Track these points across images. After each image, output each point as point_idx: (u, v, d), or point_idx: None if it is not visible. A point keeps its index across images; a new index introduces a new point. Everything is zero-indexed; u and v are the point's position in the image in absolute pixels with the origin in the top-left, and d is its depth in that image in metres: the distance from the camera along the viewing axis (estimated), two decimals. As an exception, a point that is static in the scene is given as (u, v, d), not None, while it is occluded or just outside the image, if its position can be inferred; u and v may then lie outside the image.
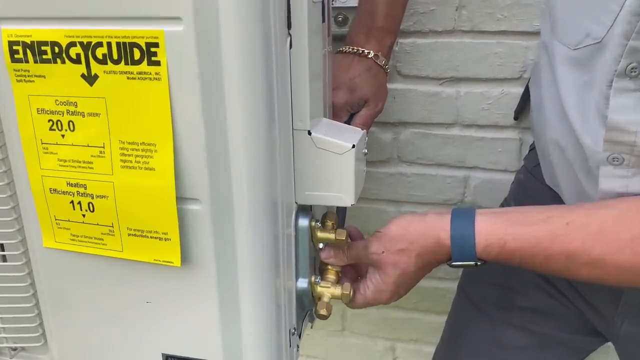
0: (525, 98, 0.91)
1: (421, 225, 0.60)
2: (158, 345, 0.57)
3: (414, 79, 0.95)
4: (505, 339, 0.80)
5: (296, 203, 0.59)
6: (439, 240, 0.58)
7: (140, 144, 0.48)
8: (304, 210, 0.62)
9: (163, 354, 0.58)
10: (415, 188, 1.03)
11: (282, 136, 0.52)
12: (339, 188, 0.58)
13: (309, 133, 0.55)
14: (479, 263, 0.58)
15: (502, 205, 0.85)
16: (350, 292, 0.64)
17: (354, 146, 0.56)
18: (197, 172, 0.49)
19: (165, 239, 0.50)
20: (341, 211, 0.71)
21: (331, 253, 0.65)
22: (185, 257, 0.51)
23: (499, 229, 0.56)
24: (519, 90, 0.92)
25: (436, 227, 0.59)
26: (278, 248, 0.55)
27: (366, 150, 0.63)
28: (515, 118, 0.94)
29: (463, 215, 0.59)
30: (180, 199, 0.49)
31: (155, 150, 0.48)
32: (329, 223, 0.65)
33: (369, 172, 1.03)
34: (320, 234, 0.63)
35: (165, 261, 0.51)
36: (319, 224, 0.63)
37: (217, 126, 0.47)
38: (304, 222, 0.61)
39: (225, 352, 0.55)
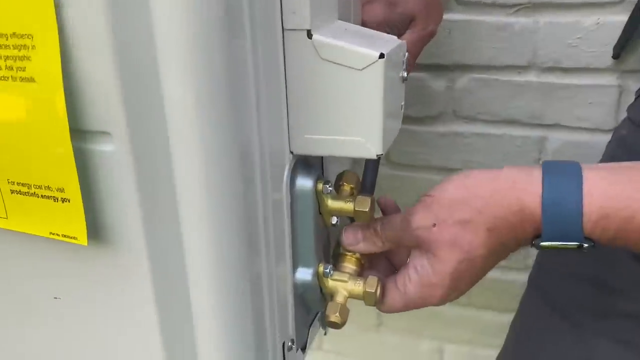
0: (630, 29, 0.69)
1: (494, 185, 0.40)
2: (78, 362, 0.38)
3: (476, 6, 0.74)
4: (597, 355, 0.58)
5: (291, 153, 0.39)
6: (523, 208, 0.39)
7: (11, 36, 0.28)
8: (307, 165, 0.41)
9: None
10: (474, 152, 0.82)
11: (258, 35, 0.31)
12: (358, 128, 0.37)
13: (309, 35, 0.34)
14: (585, 245, 0.38)
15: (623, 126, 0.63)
16: (377, 290, 0.44)
17: (382, 56, 0.34)
18: (103, 87, 0.29)
19: (62, 199, 0.31)
20: (369, 172, 0.49)
21: (358, 235, 0.45)
22: (95, 231, 0.32)
23: (622, 192, 0.37)
24: (620, 18, 0.69)
25: (519, 187, 0.39)
26: (255, 221, 0.34)
27: (405, 73, 0.41)
28: (615, 57, 0.72)
29: (562, 169, 0.38)
30: (80, 133, 0.30)
31: (33, 47, 0.28)
32: (346, 187, 0.44)
33: (414, 131, 0.82)
34: (331, 203, 0.42)
35: (65, 236, 0.32)
36: (329, 188, 0.42)
37: (134, 5, 0.27)
38: (305, 183, 0.40)
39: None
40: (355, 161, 0.56)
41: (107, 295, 0.34)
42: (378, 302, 0.44)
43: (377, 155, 0.37)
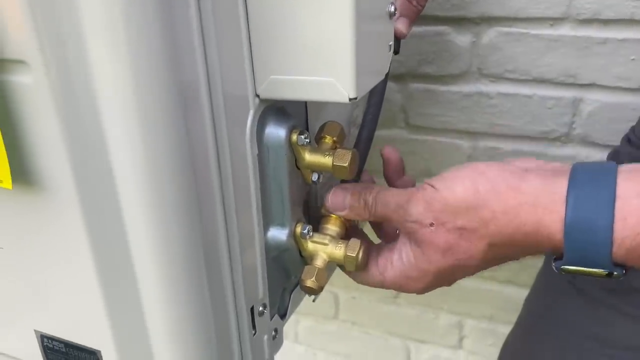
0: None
1: (510, 197, 0.34)
2: (26, 316, 0.36)
3: (506, -51, 0.66)
4: (613, 333, 0.54)
5: (257, 96, 0.34)
6: (540, 229, 0.33)
7: None
8: (283, 114, 0.37)
9: (36, 332, 0.36)
10: (500, 115, 0.75)
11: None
12: (328, 67, 0.32)
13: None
14: (615, 273, 0.32)
15: (622, 144, 0.56)
16: (358, 254, 0.39)
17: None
18: (15, 9, 0.25)
19: (-17, 139, 0.28)
20: (366, 125, 0.45)
21: (346, 200, 0.40)
22: (22, 174, 0.29)
23: None
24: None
25: (539, 204, 0.33)
26: (205, 169, 0.30)
27: (392, 8, 0.36)
28: (664, 7, 0.62)
29: (592, 179, 0.32)
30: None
31: None
32: (327, 140, 0.40)
33: (435, 91, 0.76)
34: (309, 156, 0.38)
35: (-10, 179, 0.29)
36: (305, 139, 0.37)
37: None
38: (276, 132, 0.36)
39: (119, 342, 0.33)
40: (352, 122, 0.51)
41: (40, 242, 0.31)
42: (359, 268, 0.40)
43: (349, 99, 0.32)
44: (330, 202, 0.41)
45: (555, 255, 0.35)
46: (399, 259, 0.40)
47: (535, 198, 0.33)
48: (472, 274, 0.39)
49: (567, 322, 0.57)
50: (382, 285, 0.41)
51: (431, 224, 0.36)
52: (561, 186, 0.33)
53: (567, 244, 0.33)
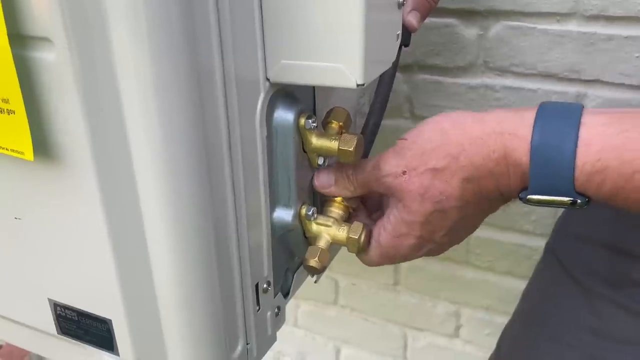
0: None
1: (477, 128, 0.35)
2: (41, 286, 0.37)
3: (515, -57, 0.66)
4: (609, 326, 0.54)
5: (268, 80, 0.35)
6: (508, 154, 0.34)
7: None
8: (292, 98, 0.38)
9: (50, 300, 0.38)
10: (505, 108, 0.75)
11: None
12: (337, 53, 0.33)
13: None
14: (579, 201, 0.33)
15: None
16: (361, 236, 0.41)
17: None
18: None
19: (8, 111, 0.29)
20: (374, 112, 0.46)
21: (331, 177, 0.42)
22: (42, 147, 0.30)
23: (626, 143, 0.32)
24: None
25: (506, 132, 0.34)
26: (218, 148, 0.32)
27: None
28: (670, 6, 0.63)
29: (559, 112, 0.33)
30: (20, 38, 0.27)
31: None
32: (334, 125, 0.41)
33: (441, 82, 0.77)
34: (316, 141, 0.39)
35: (13, 150, 0.30)
36: (313, 124, 0.39)
37: None
38: (285, 116, 0.37)
39: (130, 311, 0.34)
40: (358, 111, 0.52)
41: (56, 213, 0.33)
42: (361, 249, 0.41)
43: (357, 85, 0.33)
44: (317, 181, 0.42)
45: (521, 189, 0.35)
46: (388, 222, 0.40)
47: (500, 125, 0.34)
48: (462, 226, 0.39)
49: (565, 315, 0.57)
50: (381, 254, 0.41)
51: (403, 172, 0.37)
52: (529, 116, 0.34)
53: (533, 169, 0.33)
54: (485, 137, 0.34)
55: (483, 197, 0.37)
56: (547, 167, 0.33)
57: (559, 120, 0.33)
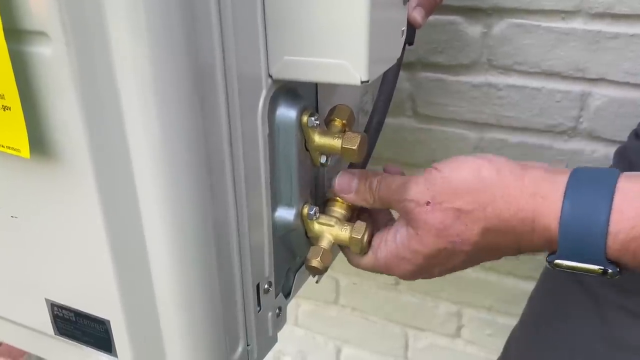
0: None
1: (513, 185, 0.35)
2: (38, 286, 0.37)
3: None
4: (623, 334, 0.53)
5: (270, 77, 0.35)
6: (536, 216, 0.34)
7: None
8: (295, 95, 0.37)
9: (47, 300, 0.37)
10: (508, 106, 0.75)
11: None
12: (341, 49, 0.32)
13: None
14: (609, 271, 0.33)
15: (630, 139, 0.55)
16: (364, 237, 0.40)
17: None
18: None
19: (4, 107, 0.28)
20: (378, 111, 0.45)
21: (353, 184, 0.41)
22: (39, 144, 0.29)
23: None
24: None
25: (537, 192, 0.34)
26: (218, 145, 0.31)
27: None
28: (676, 4, 0.62)
29: (593, 177, 0.33)
30: (15, 32, 0.27)
31: None
32: (337, 122, 0.40)
33: (444, 80, 0.76)
34: (318, 138, 0.39)
35: (9, 147, 0.29)
36: (316, 121, 0.38)
37: None
38: (287, 113, 0.37)
39: (128, 312, 0.34)
40: (361, 108, 0.51)
41: (53, 212, 0.32)
42: (364, 250, 0.41)
43: (361, 82, 0.32)
44: (338, 184, 0.42)
45: (550, 252, 0.35)
46: (393, 240, 0.40)
47: (536, 187, 0.34)
48: (462, 265, 0.39)
49: (575, 323, 0.56)
50: (373, 265, 0.41)
51: (427, 203, 0.37)
52: (562, 180, 0.34)
53: (562, 235, 0.33)
54: (519, 196, 0.34)
55: (499, 249, 0.37)
56: (578, 235, 0.32)
57: (592, 187, 0.32)
